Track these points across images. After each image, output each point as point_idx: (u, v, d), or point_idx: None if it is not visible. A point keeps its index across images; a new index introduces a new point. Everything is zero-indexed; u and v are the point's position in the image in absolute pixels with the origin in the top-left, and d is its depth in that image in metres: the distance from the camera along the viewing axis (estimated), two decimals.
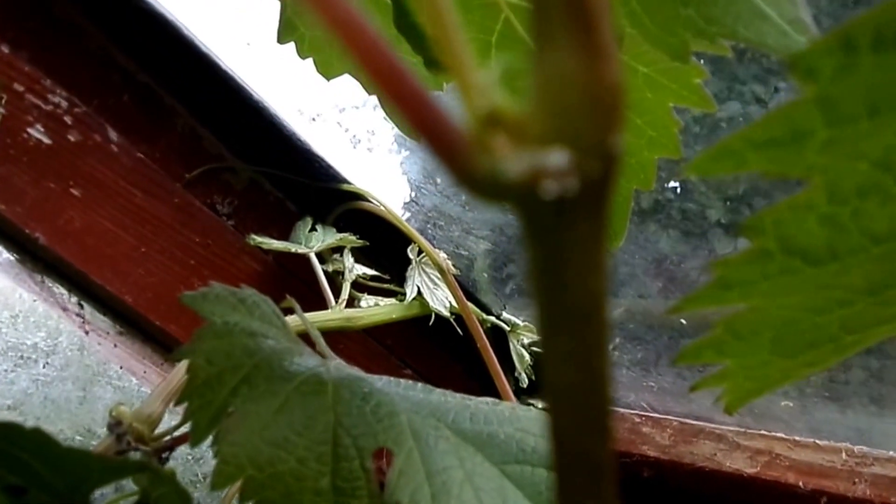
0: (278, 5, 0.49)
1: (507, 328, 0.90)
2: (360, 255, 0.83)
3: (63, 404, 0.75)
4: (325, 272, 0.78)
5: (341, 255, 0.80)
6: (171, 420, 0.52)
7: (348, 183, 0.82)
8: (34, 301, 0.71)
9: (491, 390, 0.78)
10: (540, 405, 0.92)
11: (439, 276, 0.82)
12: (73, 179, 0.69)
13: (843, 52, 0.17)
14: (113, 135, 0.71)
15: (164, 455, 0.57)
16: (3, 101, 0.65)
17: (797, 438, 0.75)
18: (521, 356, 0.89)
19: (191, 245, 0.75)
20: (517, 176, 0.13)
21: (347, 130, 0.91)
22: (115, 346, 0.77)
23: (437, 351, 0.90)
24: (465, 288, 0.85)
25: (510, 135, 0.12)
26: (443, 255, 0.82)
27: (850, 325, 0.28)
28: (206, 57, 0.73)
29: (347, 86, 0.51)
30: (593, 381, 0.15)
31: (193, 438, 0.41)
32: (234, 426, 0.41)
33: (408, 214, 0.90)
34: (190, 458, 0.87)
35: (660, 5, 0.32)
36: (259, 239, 0.75)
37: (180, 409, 0.42)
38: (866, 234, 0.22)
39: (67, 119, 0.68)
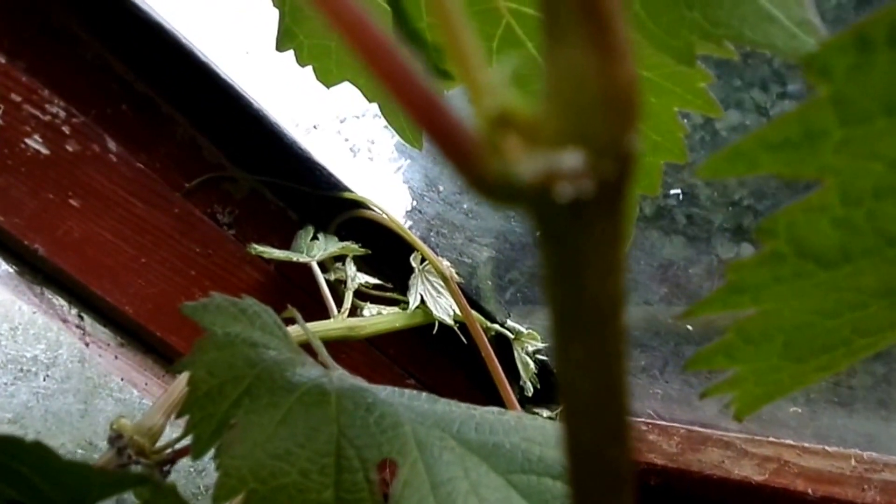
0: (277, 13, 0.49)
1: (512, 336, 0.89)
2: (363, 264, 0.82)
3: (64, 417, 0.75)
4: (328, 281, 0.77)
5: (343, 264, 0.80)
6: (173, 432, 0.51)
7: (349, 191, 0.81)
8: (34, 313, 0.71)
9: (496, 399, 0.78)
10: (545, 414, 0.91)
11: (442, 284, 0.81)
12: (71, 190, 0.69)
13: (857, 50, 0.16)
14: (112, 145, 0.70)
15: (165, 468, 0.56)
16: (1, 112, 0.64)
17: (806, 445, 0.75)
18: (527, 364, 0.88)
19: (191, 255, 0.75)
20: (530, 178, 0.12)
21: (347, 140, 0.91)
22: (116, 357, 0.76)
23: (441, 360, 0.90)
24: (469, 296, 0.85)
25: (522, 136, 0.12)
26: (446, 262, 0.81)
27: (863, 328, 0.27)
28: (205, 66, 0.73)
29: (348, 95, 0.51)
30: (610, 389, 0.14)
31: (195, 451, 0.41)
32: (235, 438, 0.41)
33: (410, 222, 0.89)
34: (192, 470, 0.86)
35: (664, 8, 0.31)
36: (260, 248, 0.75)
37: (182, 422, 0.41)
38: (881, 236, 0.22)
39: (65, 129, 0.68)
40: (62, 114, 0.68)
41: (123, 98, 0.72)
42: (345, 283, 0.79)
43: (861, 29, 0.16)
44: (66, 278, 0.70)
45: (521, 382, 0.88)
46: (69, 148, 0.68)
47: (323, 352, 0.51)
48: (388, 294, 0.84)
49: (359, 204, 0.82)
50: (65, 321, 0.72)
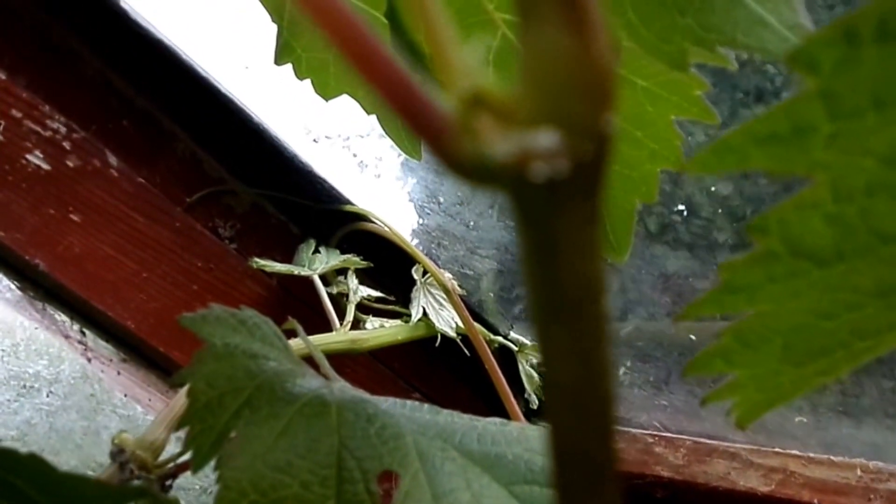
0: (275, 28, 0.49)
1: (516, 348, 0.89)
2: (365, 277, 0.82)
3: (68, 434, 0.75)
4: (330, 294, 0.77)
5: (345, 277, 0.80)
6: (177, 447, 0.51)
7: (351, 204, 0.81)
8: (35, 329, 0.71)
9: (501, 412, 0.77)
10: None
11: (445, 296, 0.81)
12: (72, 205, 0.69)
13: (845, 44, 0.16)
14: (112, 160, 0.70)
15: (168, 482, 0.56)
16: (2, 128, 0.65)
17: (811, 455, 0.75)
18: (531, 377, 0.88)
19: (193, 270, 0.75)
20: (505, 158, 0.12)
21: (356, 156, 0.91)
22: (119, 373, 0.76)
23: (445, 373, 0.89)
24: (472, 308, 0.85)
25: (497, 117, 0.12)
26: (448, 275, 0.81)
27: (861, 330, 0.27)
28: (205, 80, 0.73)
29: (353, 113, 0.51)
30: (592, 376, 0.14)
31: (194, 463, 0.41)
32: (236, 450, 0.40)
33: (416, 240, 0.89)
34: (198, 487, 0.86)
35: (657, 14, 0.31)
36: (262, 262, 0.75)
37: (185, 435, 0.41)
38: (875, 234, 0.21)
39: (66, 144, 0.68)
40: (63, 129, 0.68)
41: (124, 113, 0.72)
42: (347, 296, 0.79)
43: (848, 23, 0.16)
44: (67, 294, 0.70)
45: (526, 395, 0.88)
46: (70, 163, 0.68)
47: (324, 363, 0.51)
48: (391, 307, 0.84)
49: (360, 217, 0.82)
50: (66, 337, 0.72)
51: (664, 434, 0.85)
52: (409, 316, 0.81)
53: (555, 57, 0.11)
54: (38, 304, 0.71)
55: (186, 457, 0.48)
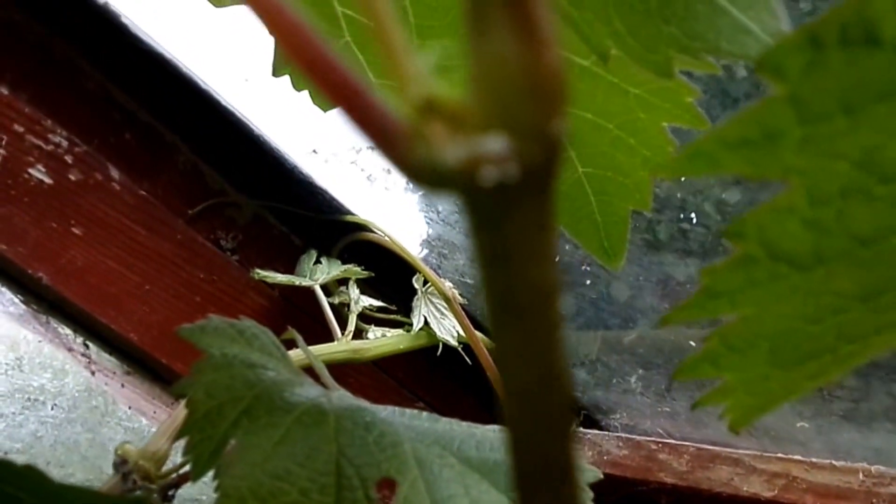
0: (272, 40, 0.49)
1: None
2: (366, 287, 0.82)
3: (73, 447, 0.75)
4: (332, 304, 0.77)
5: (347, 287, 0.80)
6: (180, 457, 0.52)
7: (352, 214, 0.82)
8: (39, 342, 0.71)
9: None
10: None
11: (446, 305, 0.82)
12: (74, 218, 0.69)
13: (810, 50, 0.16)
14: (114, 173, 0.71)
15: (170, 492, 0.56)
16: (4, 143, 0.65)
17: (814, 460, 0.75)
18: None
19: (195, 281, 0.75)
20: (455, 163, 0.12)
21: (363, 170, 0.91)
22: (123, 386, 0.76)
23: (448, 381, 0.90)
24: (473, 316, 0.85)
25: (448, 122, 0.12)
26: (448, 284, 0.82)
27: (847, 333, 0.27)
28: (206, 93, 0.73)
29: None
30: (546, 376, 0.14)
31: (194, 472, 0.41)
32: (235, 459, 0.41)
33: (421, 245, 0.89)
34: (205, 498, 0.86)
35: (642, 24, 0.32)
36: (263, 273, 0.75)
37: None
38: (852, 237, 0.22)
39: (68, 158, 0.69)
40: (65, 143, 0.69)
41: (126, 127, 0.73)
42: (348, 306, 0.79)
43: (813, 29, 0.16)
44: (70, 306, 0.71)
45: None
46: (72, 177, 0.69)
47: (323, 372, 0.52)
48: (392, 316, 0.84)
49: (361, 227, 0.82)
50: (70, 350, 0.73)
51: (668, 441, 0.85)
52: (411, 325, 0.81)
53: (504, 63, 0.12)
54: (42, 318, 0.71)
55: (189, 467, 0.48)
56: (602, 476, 0.49)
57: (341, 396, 0.47)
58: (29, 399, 0.72)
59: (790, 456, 0.76)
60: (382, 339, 0.79)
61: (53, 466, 0.73)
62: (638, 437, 0.87)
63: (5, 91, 0.66)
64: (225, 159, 0.77)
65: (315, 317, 0.77)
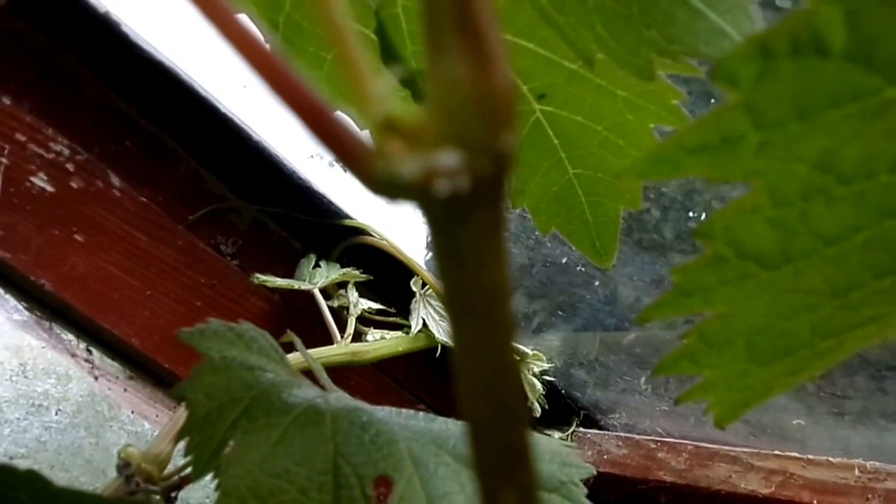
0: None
1: (517, 357, 0.89)
2: (365, 290, 0.83)
3: (77, 451, 0.76)
4: (331, 308, 0.78)
5: (346, 291, 0.81)
6: (181, 460, 0.52)
7: (350, 218, 0.83)
8: (43, 348, 0.72)
9: None
10: (557, 436, 0.92)
11: (444, 307, 0.82)
12: (76, 226, 0.70)
13: (761, 59, 0.17)
14: (115, 180, 0.72)
15: (173, 494, 0.57)
16: (6, 152, 0.66)
17: (810, 457, 0.75)
18: (533, 385, 0.89)
19: (196, 286, 0.76)
20: (412, 177, 0.13)
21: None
22: (126, 390, 0.77)
23: (448, 382, 0.90)
24: None
25: (405, 139, 0.13)
26: None
27: (821, 329, 0.28)
28: (205, 100, 0.74)
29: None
30: (498, 371, 0.15)
31: (194, 472, 0.42)
32: (234, 459, 0.42)
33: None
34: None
35: (624, 29, 0.33)
36: (263, 277, 0.76)
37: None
38: (817, 236, 0.22)
39: (70, 166, 0.70)
40: (66, 152, 0.70)
41: (126, 134, 0.74)
42: (348, 309, 0.80)
43: (762, 39, 0.17)
44: (73, 313, 0.72)
45: (529, 403, 0.88)
46: (74, 185, 0.70)
47: (321, 374, 0.53)
48: (391, 319, 0.85)
49: (359, 231, 0.83)
50: (73, 356, 0.74)
51: (666, 439, 0.86)
52: (410, 327, 0.82)
53: (456, 85, 0.13)
54: (45, 324, 0.72)
55: (190, 468, 0.49)
56: (595, 473, 0.49)
57: (338, 397, 0.47)
58: (33, 405, 0.73)
59: (787, 453, 0.77)
60: (381, 342, 0.80)
61: (57, 470, 0.74)
62: (637, 437, 0.88)
63: (7, 101, 0.67)
64: (224, 165, 0.78)
65: (315, 320, 0.78)
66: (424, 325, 0.82)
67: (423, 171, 0.13)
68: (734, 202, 0.21)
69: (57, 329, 0.73)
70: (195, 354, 0.44)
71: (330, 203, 0.81)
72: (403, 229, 0.87)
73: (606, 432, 0.91)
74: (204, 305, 0.76)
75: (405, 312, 0.84)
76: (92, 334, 0.74)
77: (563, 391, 0.92)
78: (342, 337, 0.75)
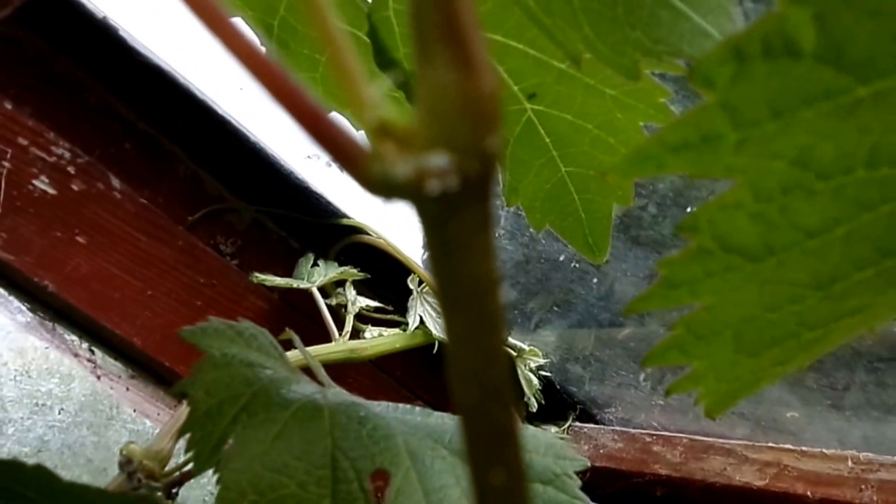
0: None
1: (514, 353, 0.90)
2: (363, 288, 0.84)
3: (80, 450, 0.77)
4: (329, 306, 0.79)
5: (344, 289, 0.82)
6: (182, 456, 0.53)
7: (348, 217, 0.83)
8: (46, 349, 0.73)
9: None
10: (553, 430, 0.92)
11: (437, 300, 0.83)
12: (78, 227, 0.71)
13: (736, 61, 0.18)
14: (116, 182, 0.73)
15: (174, 490, 0.58)
16: (9, 155, 0.67)
17: (804, 449, 0.76)
18: (530, 381, 0.89)
19: (196, 286, 0.77)
20: (405, 177, 0.14)
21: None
22: (128, 389, 0.78)
23: (445, 379, 0.91)
24: None
25: (398, 142, 0.14)
26: None
27: (807, 320, 0.28)
28: (203, 103, 0.75)
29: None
30: (487, 358, 0.16)
31: (195, 467, 0.43)
32: (234, 453, 0.42)
33: (407, 245, 0.91)
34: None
35: (609, 29, 0.33)
36: (262, 277, 0.77)
37: None
38: (798, 230, 0.23)
39: (71, 169, 0.70)
40: (67, 155, 0.70)
41: (126, 137, 0.74)
42: (346, 307, 0.80)
43: (737, 42, 0.18)
44: (75, 313, 0.72)
45: (525, 399, 0.89)
46: (75, 187, 0.71)
47: (320, 371, 0.53)
48: (389, 316, 0.86)
49: (357, 230, 0.84)
50: (76, 356, 0.75)
51: (662, 433, 0.87)
52: (407, 324, 0.83)
53: (444, 91, 0.14)
54: (49, 325, 0.73)
55: (191, 464, 0.50)
56: (590, 466, 0.50)
57: (336, 393, 0.48)
58: (37, 404, 0.74)
59: (781, 445, 0.77)
60: (379, 339, 0.81)
61: (60, 469, 0.75)
62: (632, 430, 0.88)
63: (9, 106, 0.68)
64: (223, 166, 0.79)
65: (313, 318, 0.79)
66: (421, 322, 0.82)
67: (415, 171, 0.14)
68: (717, 197, 0.22)
69: (60, 330, 0.73)
70: (195, 353, 0.44)
71: (328, 203, 0.82)
72: (400, 228, 0.88)
73: (602, 426, 0.92)
74: (204, 305, 0.77)
75: (402, 310, 0.85)
76: (94, 334, 0.75)
77: (559, 386, 0.93)
78: (340, 334, 0.76)
